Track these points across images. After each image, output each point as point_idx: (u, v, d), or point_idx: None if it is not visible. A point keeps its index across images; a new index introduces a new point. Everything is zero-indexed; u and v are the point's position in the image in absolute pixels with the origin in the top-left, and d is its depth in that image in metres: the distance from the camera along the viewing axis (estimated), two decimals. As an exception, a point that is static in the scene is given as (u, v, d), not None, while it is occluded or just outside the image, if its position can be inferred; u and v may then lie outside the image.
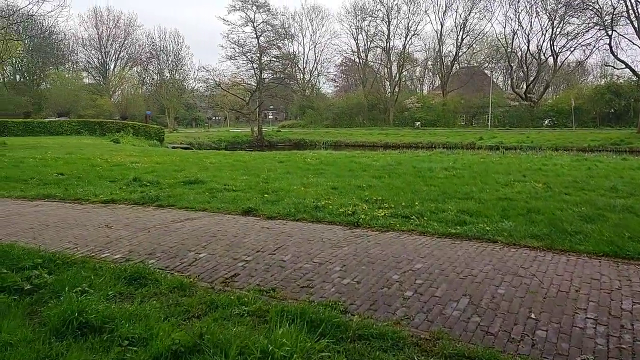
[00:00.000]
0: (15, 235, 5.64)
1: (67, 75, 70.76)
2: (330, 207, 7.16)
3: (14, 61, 65.68)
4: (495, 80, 69.35)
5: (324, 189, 8.97)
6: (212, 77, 46.28)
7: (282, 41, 49.73)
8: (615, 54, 36.40)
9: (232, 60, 45.84)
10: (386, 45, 61.11)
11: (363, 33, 63.34)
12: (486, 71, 65.93)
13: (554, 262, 4.72)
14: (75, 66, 74.53)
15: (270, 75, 48.57)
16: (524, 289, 3.96)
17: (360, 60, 66.50)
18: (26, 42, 64.26)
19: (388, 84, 63.16)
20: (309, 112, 65.84)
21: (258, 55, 45.22)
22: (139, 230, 5.81)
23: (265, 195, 8.23)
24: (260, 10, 44.96)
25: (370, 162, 13.59)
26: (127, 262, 4.53)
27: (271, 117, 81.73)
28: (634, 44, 35.23)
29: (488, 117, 51.33)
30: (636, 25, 33.89)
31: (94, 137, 34.07)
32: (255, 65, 45.63)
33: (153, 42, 65.43)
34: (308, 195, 8.20)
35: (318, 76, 77.43)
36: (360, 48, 65.02)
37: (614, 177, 9.53)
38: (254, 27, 44.88)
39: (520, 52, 53.15)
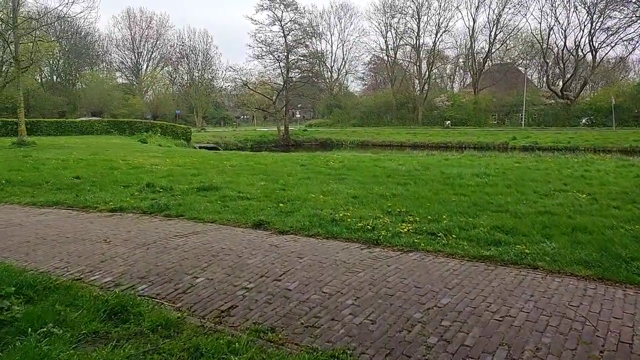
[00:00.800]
0: (9, 250, 5.29)
1: (101, 76, 72.57)
2: (349, 220, 6.55)
3: (50, 62, 67.92)
4: (529, 77, 66.94)
5: (344, 197, 8.36)
6: (239, 77, 46.35)
7: (309, 39, 49.33)
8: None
9: (259, 60, 45.86)
10: (416, 43, 59.78)
11: (392, 30, 62.19)
12: (520, 68, 63.63)
13: (609, 297, 3.97)
14: (109, 66, 76.48)
15: (297, 74, 48.25)
16: (575, 338, 3.25)
17: (389, 59, 65.30)
18: (63, 43, 66.35)
19: (417, 82, 61.74)
20: (336, 111, 65.19)
21: (285, 54, 44.94)
22: (137, 246, 5.36)
23: (281, 204, 7.70)
24: (288, 9, 44.66)
25: (395, 167, 12.87)
26: (116, 288, 4.07)
27: (298, 115, 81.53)
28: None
29: (522, 115, 49.34)
30: (686, 18, 31.65)
31: (122, 137, 34.49)
32: (282, 64, 45.40)
33: (183, 42, 66.16)
34: (326, 206, 7.62)
35: (346, 74, 76.76)
36: (389, 46, 63.87)
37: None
38: (281, 25, 44.63)
39: (556, 49, 50.90)
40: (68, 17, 35.20)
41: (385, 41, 63.84)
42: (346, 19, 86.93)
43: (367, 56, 73.88)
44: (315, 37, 54.73)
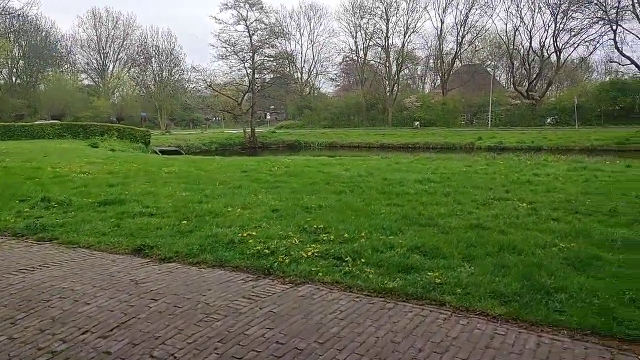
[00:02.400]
0: None
1: (66, 77, 69.68)
2: (250, 241, 5.62)
3: (9, 63, 64.76)
4: (497, 78, 67.49)
5: (264, 211, 7.43)
6: (202, 78, 44.93)
7: (276, 40, 48.23)
8: (620, 49, 34.62)
9: (224, 60, 44.48)
10: (385, 44, 59.45)
11: (361, 31, 61.73)
12: (488, 69, 64.07)
13: (517, 351, 3.16)
14: (73, 68, 73.46)
15: (264, 75, 47.12)
16: None
17: (359, 59, 64.83)
18: (22, 43, 63.32)
19: (387, 83, 61.43)
20: (307, 112, 64.31)
21: (251, 54, 43.76)
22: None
23: (184, 222, 6.71)
24: (253, 8, 43.49)
25: (339, 172, 12.02)
26: None
27: (269, 117, 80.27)
28: (639, 39, 33.36)
29: (488, 116, 49.50)
30: (643, 19, 32.05)
31: (75, 141, 32.71)
32: (247, 65, 44.20)
33: (145, 42, 64.12)
34: (237, 222, 6.68)
35: (317, 75, 75.90)
36: (359, 46, 63.44)
37: (615, 195, 7.89)
38: (246, 25, 43.42)
39: (522, 49, 51.30)
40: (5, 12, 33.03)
41: (355, 42, 63.45)
42: (316, 19, 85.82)
43: (337, 57, 73.10)
44: (283, 38, 53.64)
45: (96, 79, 74.42)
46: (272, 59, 46.27)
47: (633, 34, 36.06)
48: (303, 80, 73.64)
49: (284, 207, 7.67)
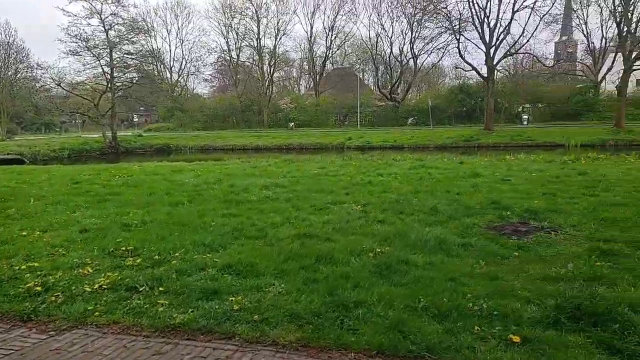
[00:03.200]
0: None
1: None
2: (27, 276, 4.56)
3: None
4: (366, 81, 71.65)
5: (69, 233, 6.28)
6: (50, 76, 39.58)
7: (136, 36, 44.55)
8: (464, 56, 38.74)
9: (76, 57, 39.69)
10: (257, 45, 58.95)
11: (233, 32, 60.38)
12: (357, 72, 67.58)
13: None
14: None
15: (124, 73, 43.16)
16: None
17: (232, 60, 63.39)
18: None
19: (261, 84, 61.05)
20: (178, 114, 61.01)
21: (107, 51, 39.73)
22: None
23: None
24: (109, 2, 39.52)
25: (186, 180, 11.08)
26: None
27: (137, 120, 74.37)
28: (479, 48, 37.81)
29: (358, 117, 52.13)
30: (480, 31, 36.31)
31: None
32: (103, 62, 40.06)
33: (-22, 34, 54.62)
34: (25, 250, 5.48)
35: (188, 76, 72.41)
36: (231, 47, 61.96)
37: (440, 192, 8.35)
38: (101, 19, 39.31)
39: (385, 55, 54.97)
40: None
41: (227, 42, 61.79)
42: (184, 16, 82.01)
43: (209, 56, 70.67)
44: (146, 34, 49.86)
45: None
46: (133, 57, 42.65)
47: (473, 43, 40.84)
48: (173, 81, 69.74)
49: (98, 226, 6.60)
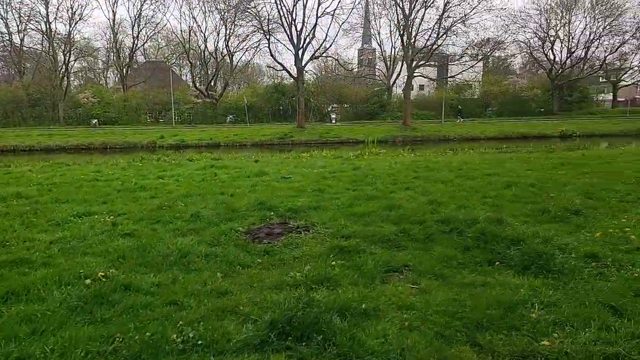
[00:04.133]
0: None
1: None
2: None
3: None
4: (184, 77, 68.13)
5: None
6: None
7: None
8: (275, 56, 39.72)
9: None
10: (47, 29, 50.42)
11: (13, 11, 50.44)
12: (174, 67, 63.73)
13: None
14: None
15: None
16: None
17: (14, 45, 52.94)
18: None
19: (54, 75, 52.55)
20: None
21: None
22: None
23: None
24: None
25: None
26: None
27: None
28: (288, 49, 39.19)
29: (173, 114, 49.15)
30: (288, 33, 37.62)
31: None
32: None
33: None
34: None
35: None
36: (12, 30, 51.67)
37: (214, 194, 7.76)
38: None
39: (199, 50, 53.04)
40: None
41: (6, 23, 51.33)
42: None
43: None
44: None
45: None
46: None
47: (283, 44, 42.21)
48: None
49: None
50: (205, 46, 52.00)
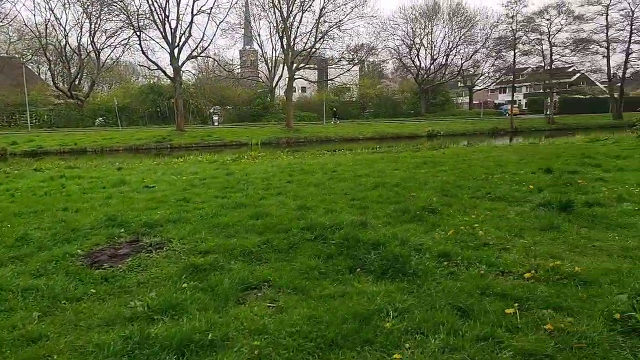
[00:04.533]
0: None
1: None
2: None
3: None
4: (43, 75, 60.17)
5: None
6: None
7: None
8: (147, 55, 37.06)
9: None
10: None
11: None
12: (30, 64, 55.84)
13: None
14: None
15: None
16: None
17: None
18: None
19: None
20: None
21: None
22: None
23: None
24: None
25: None
26: None
27: None
28: (162, 47, 36.83)
29: (27, 117, 43.10)
30: (162, 30, 35.29)
31: None
32: None
33: None
34: None
35: None
36: None
37: (55, 210, 6.63)
38: None
39: (59, 46, 47.33)
40: None
41: None
42: None
43: None
44: None
45: None
46: None
47: (156, 41, 39.54)
48: None
49: None
50: (67, 42, 46.72)
